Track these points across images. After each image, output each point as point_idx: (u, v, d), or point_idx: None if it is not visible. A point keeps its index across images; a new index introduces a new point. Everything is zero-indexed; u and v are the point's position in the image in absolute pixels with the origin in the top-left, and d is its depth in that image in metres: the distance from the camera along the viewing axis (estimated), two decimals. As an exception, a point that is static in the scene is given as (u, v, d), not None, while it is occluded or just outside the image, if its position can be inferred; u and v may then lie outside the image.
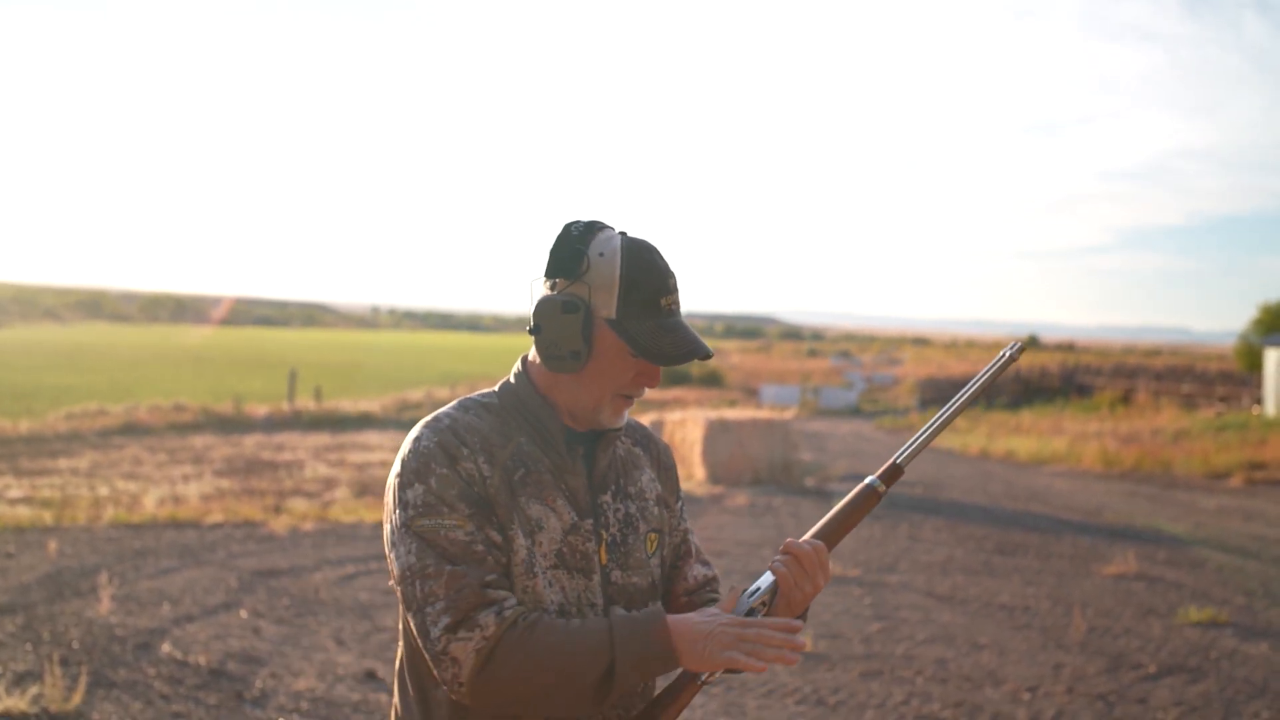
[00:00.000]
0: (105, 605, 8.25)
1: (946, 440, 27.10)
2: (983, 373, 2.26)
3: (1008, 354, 2.24)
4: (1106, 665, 7.82)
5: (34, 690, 6.28)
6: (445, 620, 1.94)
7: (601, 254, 2.09)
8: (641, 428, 2.40)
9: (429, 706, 2.12)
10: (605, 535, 2.16)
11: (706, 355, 2.11)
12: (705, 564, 2.41)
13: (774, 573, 2.13)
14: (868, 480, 2.23)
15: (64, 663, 6.88)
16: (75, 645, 7.32)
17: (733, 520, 13.64)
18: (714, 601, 2.34)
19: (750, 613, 2.11)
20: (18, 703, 6.07)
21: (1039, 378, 44.43)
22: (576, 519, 2.13)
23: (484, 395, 2.22)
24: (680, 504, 2.40)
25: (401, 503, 2.03)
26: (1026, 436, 27.09)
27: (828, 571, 2.15)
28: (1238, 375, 41.87)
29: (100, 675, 6.75)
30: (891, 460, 2.24)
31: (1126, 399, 36.94)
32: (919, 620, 8.90)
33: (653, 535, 2.26)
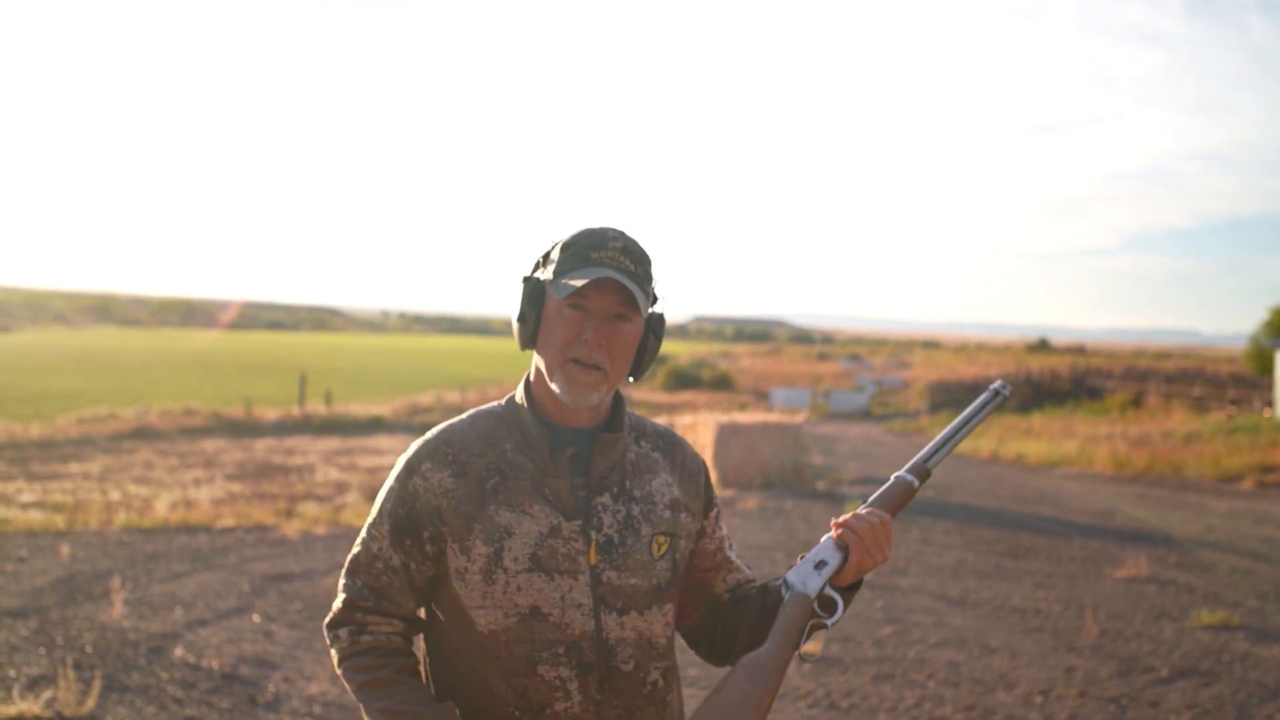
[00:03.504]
0: (118, 609, 8.27)
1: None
2: (977, 404, 2.47)
3: (998, 392, 2.47)
4: (1119, 668, 7.80)
5: (48, 694, 6.30)
6: (329, 616, 2.26)
7: (560, 241, 2.23)
8: (670, 434, 2.41)
9: (437, 683, 2.26)
10: (596, 536, 2.18)
11: (615, 281, 2.13)
12: (746, 567, 2.49)
13: (846, 542, 2.25)
14: (902, 476, 2.36)
15: (77, 667, 6.90)
16: (88, 649, 7.33)
17: (744, 524, 13.64)
18: (754, 586, 2.41)
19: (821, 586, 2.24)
20: (32, 706, 6.09)
21: (1049, 380, 44.37)
22: (560, 521, 2.16)
23: (494, 404, 2.32)
24: (715, 512, 2.44)
25: (378, 497, 2.28)
26: (1037, 439, 27.06)
27: (892, 543, 2.27)
28: (1249, 378, 41.72)
29: (113, 679, 6.77)
30: (922, 461, 2.39)
31: (1137, 402, 36.87)
32: (931, 623, 8.90)
33: (661, 539, 2.25)
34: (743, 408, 34.91)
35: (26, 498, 13.76)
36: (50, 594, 8.79)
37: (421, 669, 2.27)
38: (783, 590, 2.26)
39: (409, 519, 2.19)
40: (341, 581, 2.26)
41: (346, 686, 2.22)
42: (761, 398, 42.31)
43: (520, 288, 2.23)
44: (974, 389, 42.72)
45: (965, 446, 26.23)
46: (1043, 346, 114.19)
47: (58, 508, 12.97)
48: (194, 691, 6.68)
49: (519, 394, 2.29)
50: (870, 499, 2.32)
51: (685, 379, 48.21)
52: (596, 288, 2.14)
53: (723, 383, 48.34)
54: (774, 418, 20.19)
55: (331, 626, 2.23)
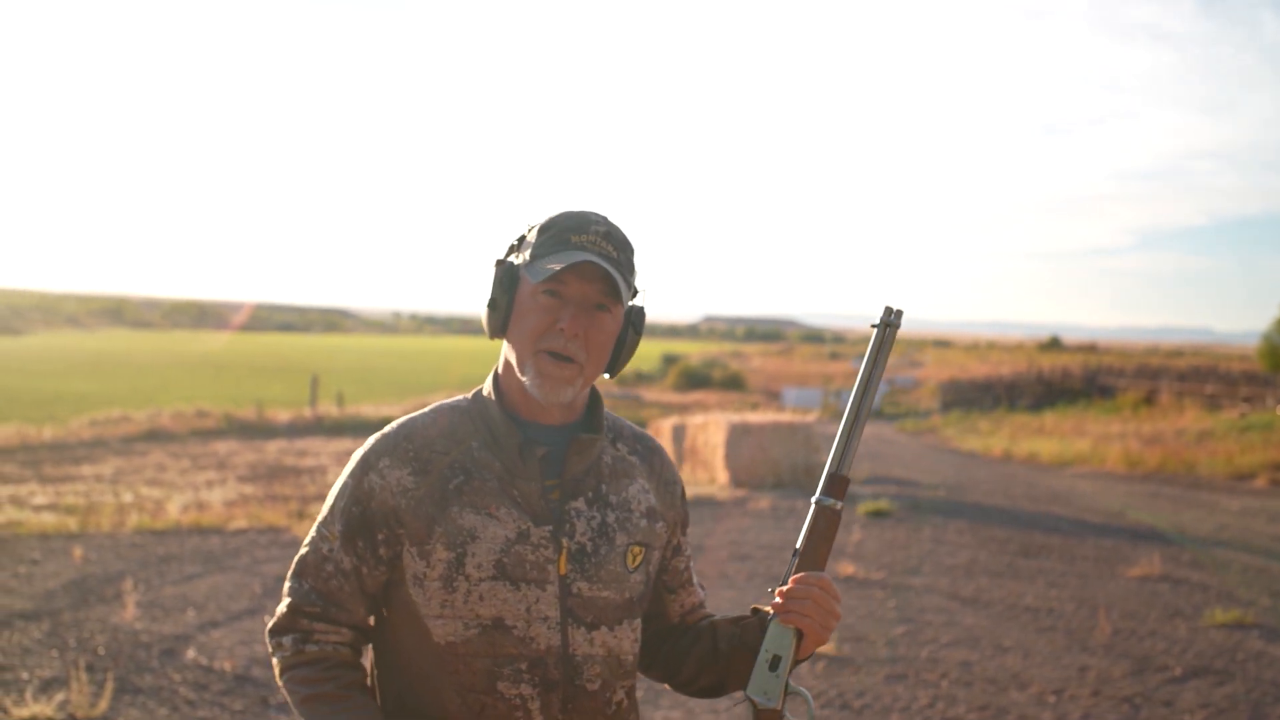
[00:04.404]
0: (130, 611, 8.28)
1: (969, 443, 27.01)
2: (870, 350, 2.14)
3: (886, 323, 2.12)
4: (1132, 667, 7.78)
5: (60, 696, 6.31)
6: (271, 621, 2.09)
7: (537, 224, 2.08)
8: (647, 439, 2.27)
9: (386, 697, 2.11)
10: (568, 544, 2.02)
11: (598, 267, 1.98)
12: (701, 587, 2.36)
13: (794, 625, 2.05)
14: (820, 501, 2.14)
15: (90, 669, 6.91)
16: (101, 651, 7.35)
17: (755, 524, 13.62)
18: (707, 619, 2.29)
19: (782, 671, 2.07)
20: (44, 709, 6.10)
21: (1061, 379, 44.27)
22: (529, 526, 2.00)
23: (460, 399, 2.17)
24: (688, 529, 2.31)
25: (330, 494, 2.12)
26: (1049, 438, 27.00)
27: (839, 597, 2.09)
28: (1261, 375, 41.57)
29: (126, 681, 6.78)
30: (835, 469, 2.14)
31: (1149, 400, 36.75)
32: (943, 623, 8.88)
33: (635, 549, 2.10)
34: (754, 408, 34.87)
35: (39, 500, 13.78)
36: (63, 596, 8.81)
37: (369, 681, 2.14)
38: (746, 706, 2.08)
39: (363, 519, 2.02)
40: (287, 585, 2.09)
41: (288, 699, 2.05)
42: (773, 397, 42.30)
43: (492, 271, 2.06)
44: (985, 388, 42.63)
45: (977, 445, 26.17)
46: (1054, 345, 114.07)
47: (70, 510, 13.00)
48: (206, 693, 6.69)
49: (486, 387, 2.13)
50: (799, 543, 2.12)
51: (696, 379, 48.22)
52: (576, 273, 1.98)
53: (734, 382, 48.35)
54: (785, 417, 20.19)
55: (274, 633, 2.07)
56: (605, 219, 2.06)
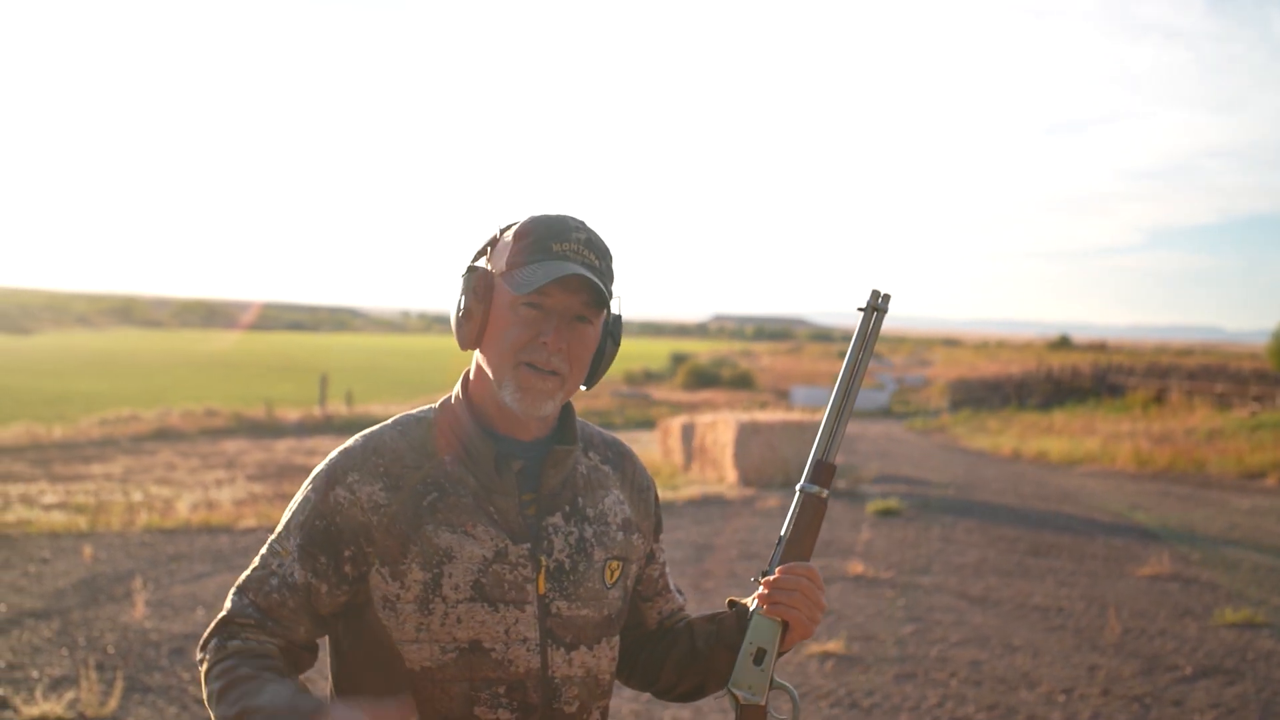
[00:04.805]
0: (140, 610, 8.30)
1: (979, 442, 26.95)
2: (856, 336, 2.10)
3: (874, 307, 2.09)
4: (1142, 667, 7.77)
5: (70, 695, 6.33)
6: (205, 632, 1.95)
7: (509, 227, 2.00)
8: (618, 444, 2.21)
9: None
10: (546, 561, 1.95)
11: (583, 279, 1.90)
12: (679, 592, 2.31)
13: (781, 616, 2.00)
14: (806, 488, 2.11)
15: (99, 667, 6.93)
16: (110, 650, 7.37)
17: (764, 523, 13.61)
18: (683, 621, 2.24)
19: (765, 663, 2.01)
20: (54, 707, 6.12)
21: (1070, 378, 44.16)
22: (506, 544, 1.92)
23: (424, 410, 2.08)
24: (662, 535, 2.25)
25: (286, 512, 2.01)
26: (1059, 437, 26.93)
27: (823, 588, 2.04)
28: (1271, 374, 41.43)
29: (135, 680, 6.79)
30: (820, 457, 2.13)
31: (1159, 399, 36.64)
32: (953, 622, 8.87)
33: (613, 564, 2.04)
34: (763, 406, 34.81)
35: (49, 499, 13.83)
36: (72, 595, 8.83)
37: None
38: (729, 701, 2.03)
39: (327, 534, 1.91)
40: (226, 601, 1.96)
41: (209, 710, 1.85)
42: (782, 396, 42.24)
43: (463, 279, 1.98)
44: (994, 386, 42.56)
45: (986, 444, 26.11)
46: (1064, 344, 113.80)
47: (80, 509, 13.03)
48: (215, 692, 6.70)
49: (455, 398, 2.05)
50: (784, 531, 2.08)
51: (705, 378, 48.20)
52: (559, 285, 1.91)
53: (743, 381, 48.29)
54: (794, 416, 20.15)
55: (202, 647, 1.93)
56: (584, 224, 1.99)
